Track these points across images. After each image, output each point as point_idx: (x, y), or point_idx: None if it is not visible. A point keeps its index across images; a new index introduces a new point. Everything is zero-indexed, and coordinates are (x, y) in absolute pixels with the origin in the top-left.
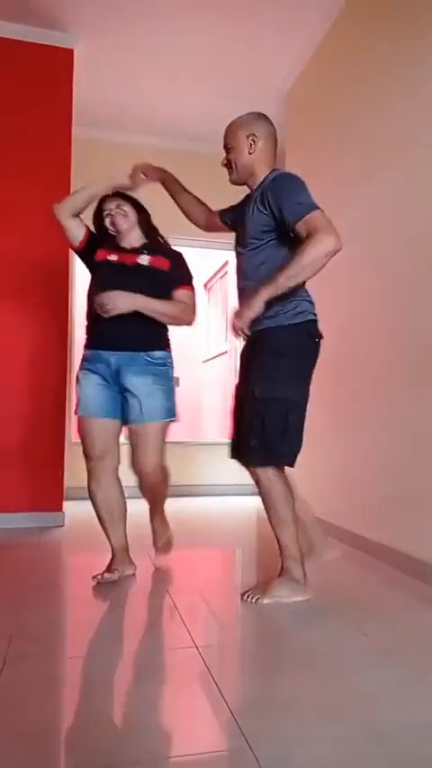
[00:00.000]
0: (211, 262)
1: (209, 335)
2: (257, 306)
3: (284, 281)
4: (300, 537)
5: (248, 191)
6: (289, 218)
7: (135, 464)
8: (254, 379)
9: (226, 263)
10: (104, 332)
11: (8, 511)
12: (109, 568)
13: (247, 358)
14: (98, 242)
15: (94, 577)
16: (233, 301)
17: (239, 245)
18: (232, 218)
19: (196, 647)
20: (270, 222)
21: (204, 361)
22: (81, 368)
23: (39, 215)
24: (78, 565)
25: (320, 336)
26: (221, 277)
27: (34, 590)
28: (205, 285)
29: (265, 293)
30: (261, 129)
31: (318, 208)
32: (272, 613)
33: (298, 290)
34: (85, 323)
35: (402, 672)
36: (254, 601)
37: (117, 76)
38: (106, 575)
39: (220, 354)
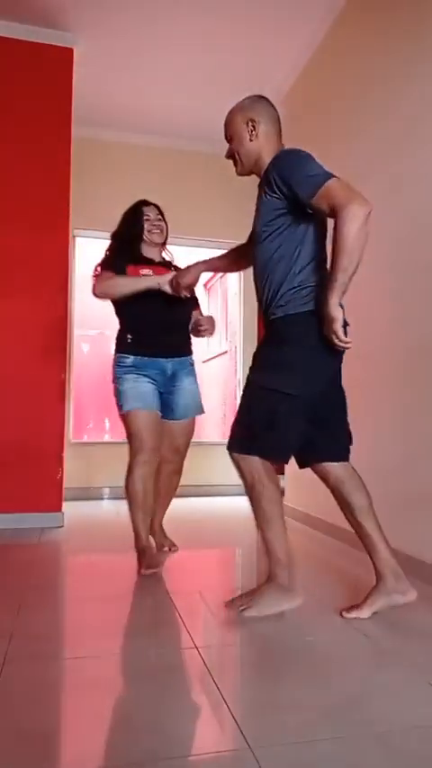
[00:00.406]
0: None
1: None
2: (335, 313)
3: (344, 278)
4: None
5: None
6: (303, 195)
7: (172, 450)
8: (253, 367)
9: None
10: (163, 342)
11: (8, 511)
12: (149, 562)
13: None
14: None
15: (140, 573)
16: (232, 301)
17: (253, 241)
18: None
19: (196, 648)
20: (281, 205)
21: (204, 361)
22: (126, 372)
23: (39, 214)
24: (78, 565)
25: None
26: (221, 277)
27: (34, 590)
28: (205, 285)
29: (335, 299)
30: (261, 112)
31: (332, 175)
32: (272, 613)
33: (310, 276)
34: (128, 335)
35: (402, 672)
36: (241, 611)
37: (117, 76)
38: (149, 570)
39: (220, 354)
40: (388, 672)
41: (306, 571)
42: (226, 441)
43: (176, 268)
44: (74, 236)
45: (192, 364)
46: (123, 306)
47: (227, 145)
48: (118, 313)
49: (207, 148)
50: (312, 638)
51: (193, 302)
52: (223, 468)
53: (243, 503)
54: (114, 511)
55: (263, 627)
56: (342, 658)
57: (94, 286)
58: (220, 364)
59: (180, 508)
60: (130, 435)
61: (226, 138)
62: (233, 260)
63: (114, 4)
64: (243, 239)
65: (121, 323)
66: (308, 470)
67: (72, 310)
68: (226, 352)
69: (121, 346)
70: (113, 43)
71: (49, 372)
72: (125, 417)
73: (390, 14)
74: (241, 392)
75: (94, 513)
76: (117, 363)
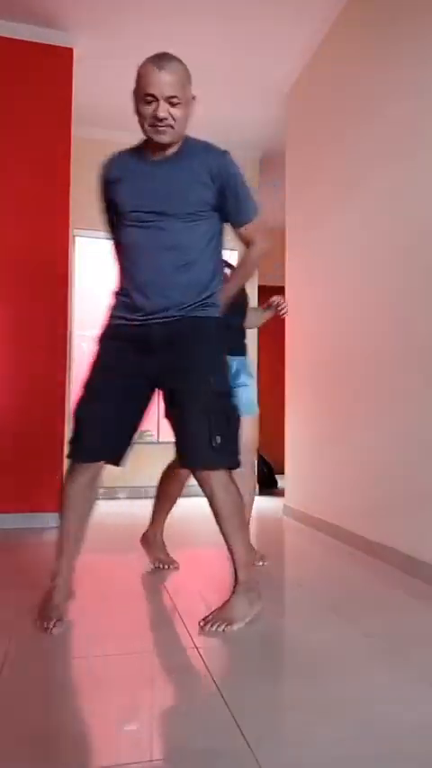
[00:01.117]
0: None
1: None
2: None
3: (235, 286)
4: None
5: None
6: (243, 214)
7: None
8: (200, 371)
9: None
10: None
11: (7, 511)
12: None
13: (180, 347)
14: None
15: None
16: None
17: (156, 211)
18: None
19: (196, 648)
20: (210, 200)
21: None
22: None
23: (39, 214)
24: (78, 565)
25: None
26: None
27: (34, 590)
28: None
29: (230, 294)
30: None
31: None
32: (272, 613)
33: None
34: None
35: (402, 672)
36: (222, 630)
37: (117, 76)
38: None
39: None
40: (388, 672)
41: (305, 571)
42: None
43: (229, 266)
44: (74, 236)
45: None
46: None
47: (225, 143)
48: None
49: None
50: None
51: None
52: None
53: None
54: (113, 511)
55: (263, 627)
56: (342, 658)
57: None
58: None
59: (180, 508)
60: None
61: (169, 97)
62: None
63: (114, 4)
64: None
65: None
66: (306, 470)
67: (72, 310)
68: None
69: None
70: (113, 43)
71: (50, 372)
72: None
73: (390, 15)
74: (185, 401)
75: (94, 513)
76: None
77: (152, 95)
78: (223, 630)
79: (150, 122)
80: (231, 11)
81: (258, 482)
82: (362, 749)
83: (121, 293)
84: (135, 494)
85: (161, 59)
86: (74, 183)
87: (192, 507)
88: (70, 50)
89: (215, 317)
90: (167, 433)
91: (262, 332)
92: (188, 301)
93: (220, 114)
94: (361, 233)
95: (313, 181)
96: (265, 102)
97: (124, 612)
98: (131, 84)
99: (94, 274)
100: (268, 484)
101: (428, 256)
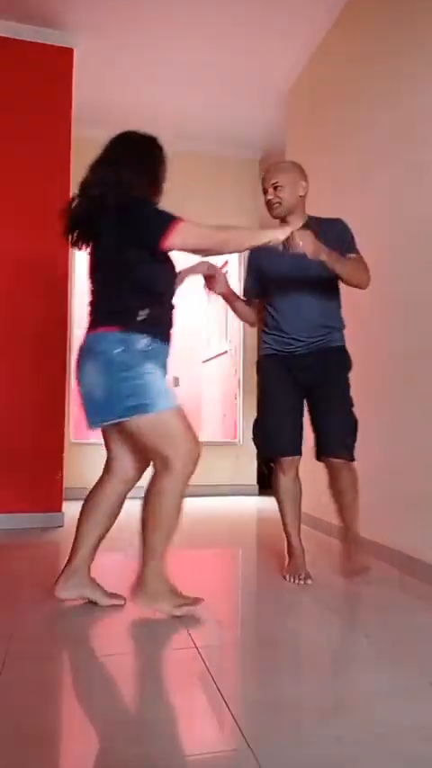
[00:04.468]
0: (210, 262)
1: (209, 335)
2: (321, 254)
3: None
4: None
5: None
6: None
7: (136, 466)
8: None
9: (226, 263)
10: (171, 321)
11: (8, 511)
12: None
13: (324, 368)
14: None
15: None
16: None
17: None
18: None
19: (196, 648)
20: None
21: (204, 361)
22: (146, 359)
23: (39, 215)
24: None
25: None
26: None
27: (34, 590)
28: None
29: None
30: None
31: None
32: (272, 613)
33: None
34: (138, 310)
35: (402, 672)
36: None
37: (117, 76)
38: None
39: (219, 354)
40: (388, 672)
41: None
42: (226, 440)
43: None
44: None
45: None
46: (140, 262)
47: (225, 144)
48: (124, 272)
49: (207, 148)
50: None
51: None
52: (223, 468)
53: (243, 502)
54: None
55: (263, 627)
56: (342, 658)
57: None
58: (220, 364)
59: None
60: (167, 440)
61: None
62: (246, 310)
63: (115, 4)
64: None
65: (122, 287)
66: (309, 471)
67: (72, 310)
68: (226, 352)
69: (130, 324)
70: (113, 43)
71: (50, 372)
72: (171, 414)
73: (390, 15)
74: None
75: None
76: (124, 349)
77: None
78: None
79: None
80: (232, 11)
81: (258, 482)
82: (362, 749)
83: None
84: (134, 494)
85: None
86: (74, 183)
87: (191, 507)
88: (71, 50)
89: None
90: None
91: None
92: None
93: (220, 114)
94: (361, 233)
95: (313, 180)
96: (265, 102)
97: (124, 612)
98: (131, 84)
99: None
100: (268, 484)
101: (428, 257)
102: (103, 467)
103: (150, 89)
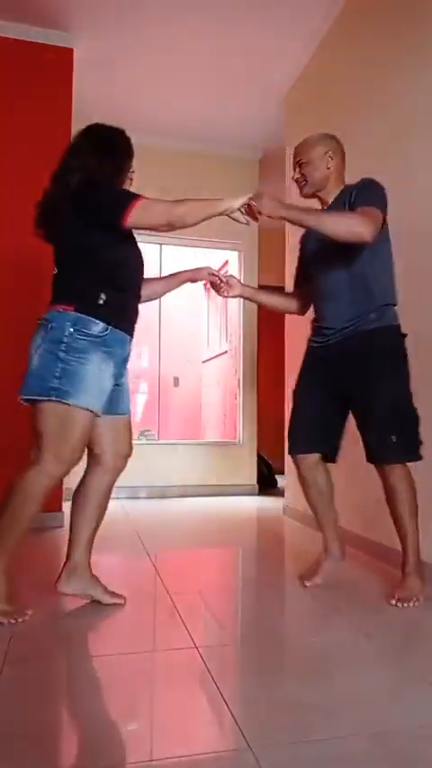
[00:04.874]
0: (210, 262)
1: (209, 335)
2: (279, 211)
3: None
4: None
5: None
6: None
7: (121, 456)
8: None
9: (226, 263)
10: (135, 309)
11: None
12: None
13: (359, 360)
14: None
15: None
16: (232, 301)
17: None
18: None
19: (196, 648)
20: None
21: (204, 361)
22: (92, 346)
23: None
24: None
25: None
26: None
27: (34, 590)
28: (205, 285)
29: (294, 216)
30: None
31: None
32: (272, 613)
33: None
34: (100, 293)
35: (402, 672)
36: (414, 605)
37: (117, 76)
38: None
39: (220, 354)
40: (388, 672)
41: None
42: (226, 440)
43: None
44: None
45: None
46: (101, 245)
47: (225, 144)
48: (85, 255)
49: (207, 148)
50: (316, 639)
51: None
52: (223, 468)
53: (243, 502)
54: (112, 510)
55: (263, 627)
56: (342, 658)
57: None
58: (220, 364)
59: (180, 508)
60: (58, 435)
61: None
62: (275, 299)
63: (115, 4)
64: (242, 239)
65: (83, 269)
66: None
67: None
68: (226, 352)
69: (87, 306)
70: (113, 43)
71: None
72: (66, 410)
73: (390, 15)
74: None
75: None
76: (76, 330)
77: None
78: (414, 605)
79: None
80: (231, 11)
81: (258, 482)
82: (361, 749)
83: None
84: (134, 494)
85: None
86: None
87: (191, 507)
88: (71, 51)
89: None
90: (167, 433)
91: (262, 332)
92: None
93: (220, 114)
94: None
95: None
96: (265, 102)
97: (124, 612)
98: (131, 85)
99: None
100: (268, 484)
101: (428, 257)
102: (87, 461)
103: (150, 89)
